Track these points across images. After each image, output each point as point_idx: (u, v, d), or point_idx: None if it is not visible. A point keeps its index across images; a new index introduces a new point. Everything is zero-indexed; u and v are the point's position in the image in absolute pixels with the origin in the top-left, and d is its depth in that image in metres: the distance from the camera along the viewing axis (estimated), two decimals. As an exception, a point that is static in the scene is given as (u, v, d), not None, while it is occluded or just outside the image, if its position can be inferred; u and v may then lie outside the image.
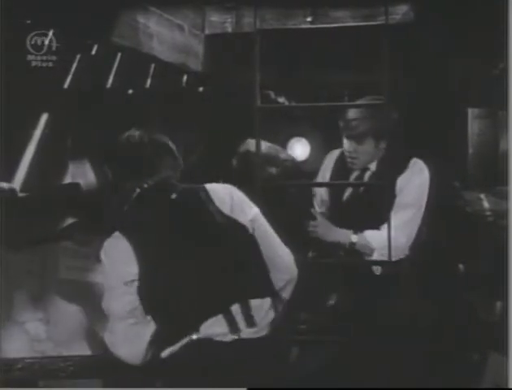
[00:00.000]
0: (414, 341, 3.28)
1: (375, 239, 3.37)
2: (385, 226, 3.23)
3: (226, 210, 2.58)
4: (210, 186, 2.63)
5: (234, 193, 2.64)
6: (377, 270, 3.40)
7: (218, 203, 2.59)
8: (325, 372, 3.34)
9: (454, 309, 3.56)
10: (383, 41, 2.89)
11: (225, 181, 2.70)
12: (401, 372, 3.12)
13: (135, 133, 2.65)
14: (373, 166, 3.48)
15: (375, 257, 3.37)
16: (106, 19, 3.71)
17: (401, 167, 3.41)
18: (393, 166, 3.33)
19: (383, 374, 3.15)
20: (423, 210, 3.39)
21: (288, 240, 2.72)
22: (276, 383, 2.50)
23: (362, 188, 3.49)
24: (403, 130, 3.45)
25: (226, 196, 2.62)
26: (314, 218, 3.45)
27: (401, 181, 3.39)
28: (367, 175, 3.50)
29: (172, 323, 2.53)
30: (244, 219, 2.60)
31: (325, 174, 3.69)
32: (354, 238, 3.40)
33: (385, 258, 3.25)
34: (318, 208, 3.67)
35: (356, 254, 3.39)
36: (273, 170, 3.79)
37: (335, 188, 3.58)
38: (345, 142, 3.46)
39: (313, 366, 3.33)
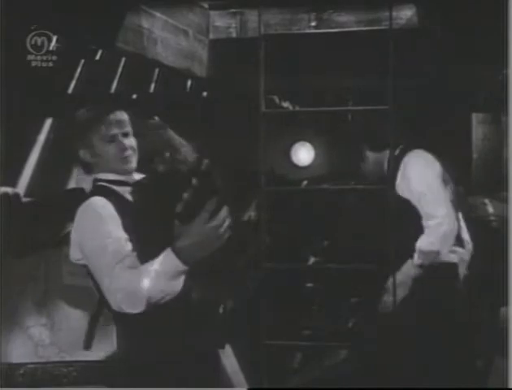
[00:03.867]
0: (418, 347, 3.27)
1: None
2: None
3: None
4: None
5: None
6: None
7: None
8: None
9: (458, 315, 3.54)
10: (387, 45, 2.89)
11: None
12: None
13: None
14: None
15: None
16: (110, 24, 3.72)
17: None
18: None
19: (384, 381, 3.15)
20: None
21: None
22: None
23: None
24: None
25: None
26: None
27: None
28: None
29: None
30: None
31: None
32: None
33: None
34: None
35: None
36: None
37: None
38: None
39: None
